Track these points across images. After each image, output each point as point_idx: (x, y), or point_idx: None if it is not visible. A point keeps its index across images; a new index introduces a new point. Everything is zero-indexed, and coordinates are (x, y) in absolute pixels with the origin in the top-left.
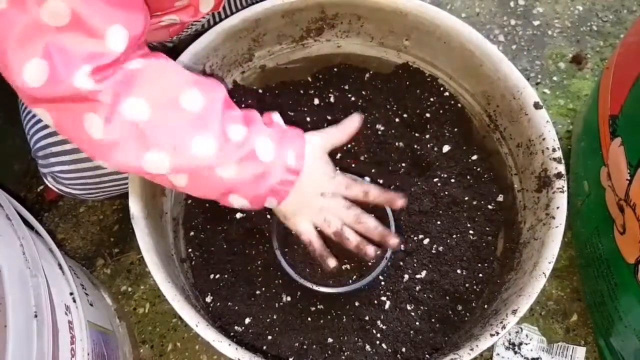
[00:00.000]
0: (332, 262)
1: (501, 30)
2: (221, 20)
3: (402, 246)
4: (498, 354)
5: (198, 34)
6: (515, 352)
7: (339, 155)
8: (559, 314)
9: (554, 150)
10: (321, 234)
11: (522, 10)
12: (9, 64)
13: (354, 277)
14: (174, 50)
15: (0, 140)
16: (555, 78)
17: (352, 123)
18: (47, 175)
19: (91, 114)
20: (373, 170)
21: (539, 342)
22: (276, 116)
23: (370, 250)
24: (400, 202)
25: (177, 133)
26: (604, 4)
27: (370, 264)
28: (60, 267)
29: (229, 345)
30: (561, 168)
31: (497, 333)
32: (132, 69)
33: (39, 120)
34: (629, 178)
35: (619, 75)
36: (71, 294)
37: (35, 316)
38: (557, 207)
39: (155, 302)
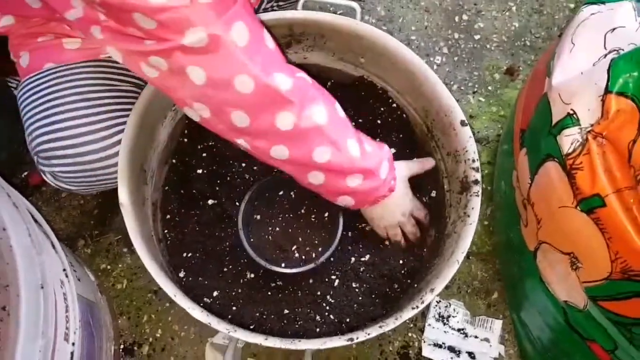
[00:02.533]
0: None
1: (445, 43)
2: None
3: (350, 233)
4: (429, 325)
5: None
6: (444, 324)
7: None
8: (482, 292)
9: (473, 161)
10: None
11: (465, 24)
12: None
13: (309, 258)
14: None
15: None
16: (490, 88)
17: (429, 163)
18: (46, 172)
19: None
20: None
21: (464, 316)
22: (386, 147)
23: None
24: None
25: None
26: (537, 21)
27: (320, 249)
28: (54, 247)
29: (201, 312)
30: (478, 176)
31: (417, 307)
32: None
33: (43, 119)
34: (529, 182)
35: (529, 95)
36: (64, 270)
37: (42, 287)
38: (472, 208)
39: (132, 279)
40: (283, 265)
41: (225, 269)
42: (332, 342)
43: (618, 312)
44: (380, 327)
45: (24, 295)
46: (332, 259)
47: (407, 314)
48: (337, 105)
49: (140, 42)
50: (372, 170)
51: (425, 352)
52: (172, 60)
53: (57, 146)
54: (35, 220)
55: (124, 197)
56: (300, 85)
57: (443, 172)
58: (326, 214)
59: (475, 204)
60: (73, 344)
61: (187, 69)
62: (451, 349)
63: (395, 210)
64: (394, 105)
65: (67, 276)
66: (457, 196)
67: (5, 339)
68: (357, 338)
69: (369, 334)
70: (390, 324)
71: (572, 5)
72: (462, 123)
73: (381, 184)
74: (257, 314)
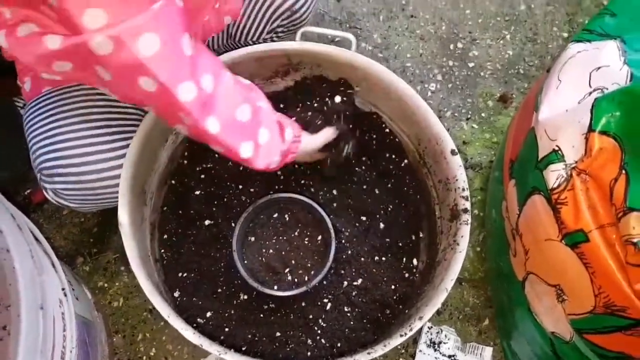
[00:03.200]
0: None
1: (440, 70)
2: None
3: (343, 256)
4: (421, 351)
5: None
6: (435, 350)
7: (309, 171)
8: (474, 319)
9: (463, 189)
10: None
11: (459, 52)
12: None
13: (301, 281)
14: None
15: None
16: (483, 114)
17: (329, 133)
18: (48, 190)
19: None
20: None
21: (455, 342)
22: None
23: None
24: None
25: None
26: (531, 50)
27: (313, 272)
28: (54, 266)
29: (193, 333)
30: (467, 205)
31: (405, 334)
32: (209, 92)
33: (46, 139)
34: (518, 213)
35: (518, 126)
36: (63, 289)
37: (42, 308)
38: (462, 236)
39: (128, 297)
40: (275, 287)
41: (219, 290)
42: None
43: (602, 346)
44: (369, 353)
45: (25, 316)
46: (324, 282)
47: (396, 340)
48: (248, 107)
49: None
50: (263, 168)
51: None
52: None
53: (59, 164)
54: (37, 240)
55: (123, 218)
56: (202, 96)
57: (435, 199)
58: (319, 238)
59: (465, 232)
60: None
61: (96, 67)
62: None
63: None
64: (387, 130)
65: (65, 295)
66: (448, 224)
67: (5, 358)
68: None
69: None
70: (379, 350)
71: (565, 35)
72: (452, 152)
73: (271, 163)
74: (250, 336)
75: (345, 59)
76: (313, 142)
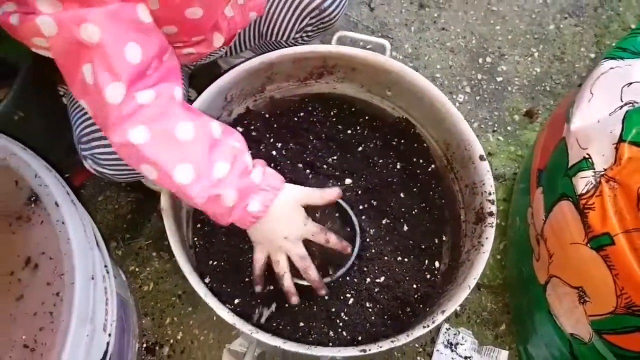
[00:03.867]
0: (257, 289)
1: (468, 83)
2: (236, 53)
3: (367, 254)
4: (438, 350)
5: (214, 62)
6: (452, 350)
7: (337, 172)
8: (491, 323)
9: (490, 194)
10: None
11: (488, 66)
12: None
13: (325, 274)
14: (193, 74)
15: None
16: (509, 128)
17: (332, 193)
18: (87, 157)
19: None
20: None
21: (472, 344)
22: (257, 169)
23: (294, 300)
24: (348, 249)
25: (165, 158)
26: (558, 68)
27: (337, 265)
28: (98, 245)
29: (228, 312)
30: (493, 208)
31: (428, 326)
32: (141, 103)
33: (84, 112)
34: (544, 219)
35: (547, 138)
36: (105, 266)
37: (92, 278)
38: (487, 238)
39: (159, 282)
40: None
41: (246, 279)
42: (347, 351)
43: (621, 346)
44: (392, 342)
45: (79, 284)
46: (347, 277)
47: (418, 331)
48: (193, 126)
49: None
50: (212, 197)
51: None
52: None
53: (97, 128)
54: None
55: (165, 201)
56: (128, 101)
57: (460, 203)
58: (344, 234)
59: (490, 234)
60: (110, 334)
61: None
62: None
63: (274, 234)
64: (416, 135)
65: (107, 272)
66: (473, 226)
67: (58, 322)
68: (370, 350)
69: (380, 347)
70: (402, 339)
71: (592, 55)
72: (481, 157)
73: (226, 211)
74: (274, 324)
75: (380, 64)
76: (305, 193)
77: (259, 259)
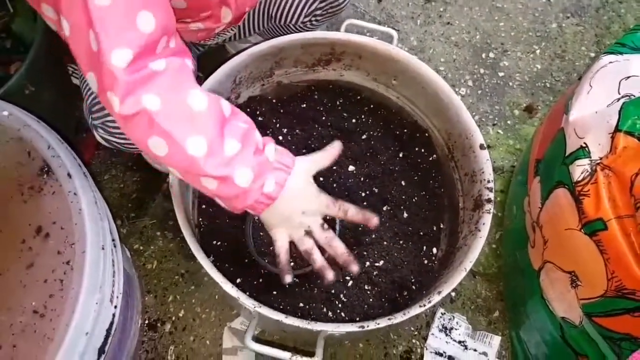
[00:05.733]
0: (288, 279)
1: (471, 77)
2: (244, 36)
3: (367, 239)
4: (433, 334)
5: (223, 47)
6: (447, 335)
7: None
8: (485, 309)
9: (488, 181)
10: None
11: (491, 61)
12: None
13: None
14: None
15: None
16: (509, 122)
17: (335, 148)
18: (97, 127)
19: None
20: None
21: (466, 329)
22: (269, 146)
23: (330, 276)
24: (374, 220)
25: (179, 129)
26: (559, 65)
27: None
28: (107, 217)
29: (232, 287)
30: (491, 195)
31: (424, 305)
32: (155, 69)
33: None
34: (540, 206)
35: (546, 130)
36: (113, 240)
37: (102, 248)
38: (484, 224)
39: (162, 261)
40: (295, 265)
41: (247, 260)
42: (345, 327)
43: (609, 328)
44: (389, 319)
45: (89, 252)
46: None
47: (415, 310)
48: (206, 101)
49: None
50: (225, 177)
51: (427, 359)
52: None
53: None
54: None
55: (173, 178)
56: (139, 69)
57: (459, 191)
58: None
59: (487, 220)
60: (115, 306)
61: (61, 18)
62: (451, 358)
63: (291, 211)
64: (419, 125)
65: (115, 246)
66: (470, 213)
67: (68, 290)
68: (368, 326)
69: (378, 324)
70: (399, 317)
71: (592, 54)
72: (481, 147)
73: (241, 193)
74: (275, 304)
75: (387, 52)
76: (312, 159)
77: (282, 244)
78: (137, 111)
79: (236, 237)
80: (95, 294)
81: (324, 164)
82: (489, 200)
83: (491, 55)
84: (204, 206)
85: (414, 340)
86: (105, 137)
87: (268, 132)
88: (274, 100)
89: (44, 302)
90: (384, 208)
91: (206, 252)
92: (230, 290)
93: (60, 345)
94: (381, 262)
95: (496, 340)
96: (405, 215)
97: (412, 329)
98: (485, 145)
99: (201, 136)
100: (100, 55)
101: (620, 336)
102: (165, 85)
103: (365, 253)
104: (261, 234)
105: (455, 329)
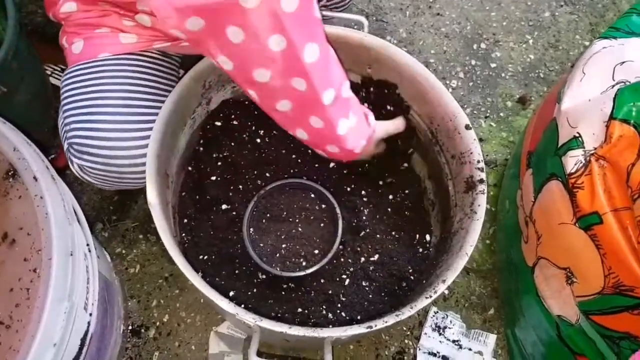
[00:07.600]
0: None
1: (462, 68)
2: None
3: (362, 233)
4: (426, 334)
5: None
6: (440, 334)
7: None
8: (479, 307)
9: (478, 162)
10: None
11: (482, 52)
12: None
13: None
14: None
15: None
16: (502, 114)
17: (401, 123)
18: (74, 164)
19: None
20: None
21: (460, 328)
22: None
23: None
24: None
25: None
26: (553, 55)
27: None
28: (79, 221)
29: (229, 303)
30: (483, 175)
31: (431, 296)
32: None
33: (82, 115)
34: (533, 200)
35: (539, 120)
36: (87, 244)
37: (71, 254)
38: (479, 205)
39: (145, 265)
40: (297, 268)
41: (237, 271)
42: (352, 329)
43: (608, 326)
44: (397, 315)
45: (56, 259)
46: (342, 259)
47: (422, 302)
48: (346, 86)
49: None
50: (351, 149)
51: None
52: None
53: (93, 144)
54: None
55: (152, 197)
56: (324, 64)
57: (447, 175)
58: (328, 217)
59: (482, 201)
60: (90, 314)
61: (228, 29)
62: (445, 358)
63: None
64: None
65: (89, 250)
66: (463, 196)
67: (35, 298)
68: (376, 326)
69: (386, 322)
70: (406, 312)
71: (587, 43)
72: (467, 127)
73: (350, 153)
74: (273, 313)
75: (358, 41)
76: (385, 128)
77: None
78: (317, 99)
79: (223, 249)
80: (64, 303)
81: (392, 132)
82: (481, 181)
83: (483, 46)
84: (185, 220)
85: (406, 341)
86: (82, 175)
87: (245, 135)
88: (246, 102)
89: (9, 312)
90: (374, 200)
91: (194, 268)
92: (227, 307)
93: (26, 358)
94: (376, 257)
95: (491, 338)
96: (393, 204)
97: (405, 328)
98: (470, 126)
99: (346, 118)
100: (291, 53)
101: (619, 335)
102: (334, 75)
103: (359, 249)
104: (261, 245)
105: (449, 328)
